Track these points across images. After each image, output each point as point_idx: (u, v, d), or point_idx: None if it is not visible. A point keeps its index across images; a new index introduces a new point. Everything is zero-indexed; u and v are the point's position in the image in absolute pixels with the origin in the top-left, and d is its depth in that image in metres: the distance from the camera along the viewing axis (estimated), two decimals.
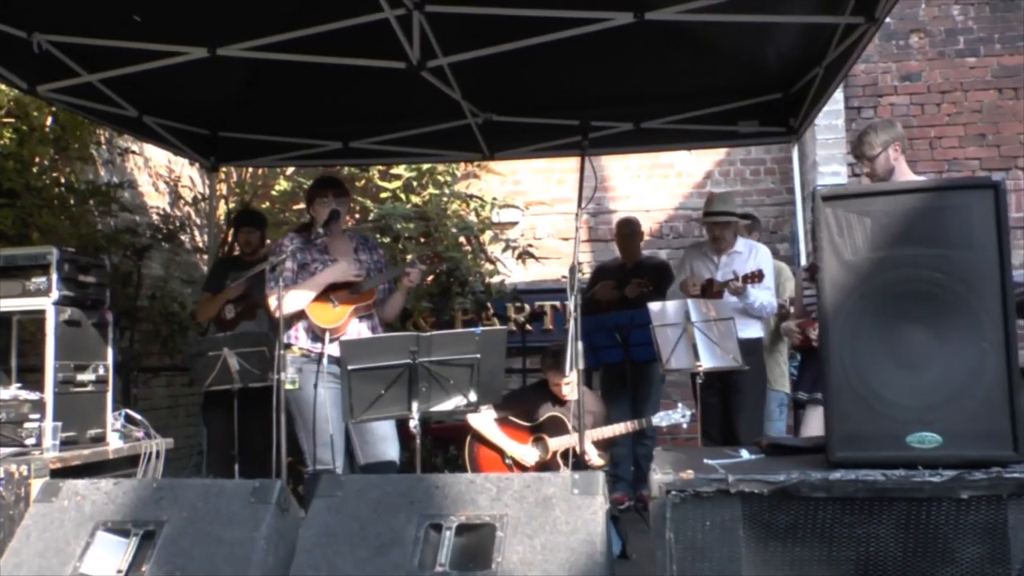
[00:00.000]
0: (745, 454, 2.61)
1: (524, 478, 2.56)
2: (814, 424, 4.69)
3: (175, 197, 8.25)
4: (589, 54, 5.40)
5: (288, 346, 4.13)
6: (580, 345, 3.55)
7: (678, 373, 7.05)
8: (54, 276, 4.04)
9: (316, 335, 4.32)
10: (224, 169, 8.56)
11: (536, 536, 2.43)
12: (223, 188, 8.81)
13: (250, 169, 8.77)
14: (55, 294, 4.00)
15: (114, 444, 4.37)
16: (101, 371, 4.38)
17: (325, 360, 4.20)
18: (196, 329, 6.66)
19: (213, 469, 6.01)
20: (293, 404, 4.34)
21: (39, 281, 4.10)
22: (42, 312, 3.98)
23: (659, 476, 2.31)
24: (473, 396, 3.60)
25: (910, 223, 2.29)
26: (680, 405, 4.97)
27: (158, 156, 8.16)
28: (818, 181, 7.81)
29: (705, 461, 2.48)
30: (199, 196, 8.26)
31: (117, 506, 2.69)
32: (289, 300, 4.27)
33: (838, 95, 7.85)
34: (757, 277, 5.11)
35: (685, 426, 4.94)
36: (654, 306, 4.79)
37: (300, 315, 4.36)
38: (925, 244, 2.29)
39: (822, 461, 2.42)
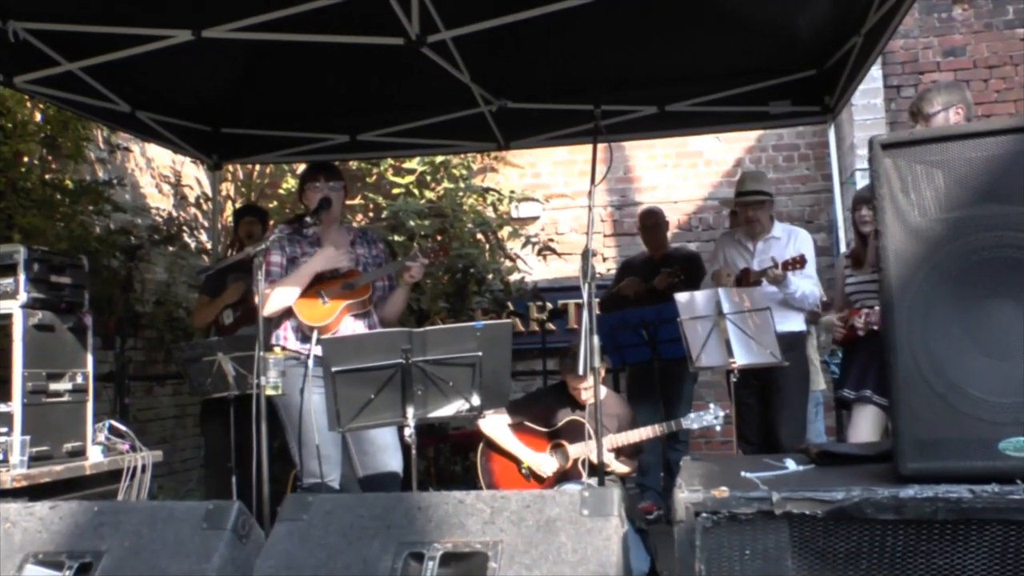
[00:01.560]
0: (791, 464, 2.16)
1: (523, 496, 2.12)
2: (863, 426, 4.23)
3: (180, 198, 7.91)
4: (607, 32, 5.00)
5: (271, 348, 3.72)
6: (596, 340, 3.11)
7: (711, 372, 6.63)
8: (21, 277, 3.74)
9: (305, 335, 3.92)
10: (230, 168, 8.24)
11: (537, 567, 1.99)
12: (230, 188, 8.47)
13: (257, 167, 8.42)
14: (23, 296, 3.70)
15: (94, 458, 4.03)
16: (80, 380, 4.05)
17: (311, 362, 3.79)
18: (200, 335, 6.31)
19: (211, 482, 5.66)
20: (283, 411, 3.95)
21: (5, 283, 3.78)
22: (9, 317, 3.66)
23: (685, 494, 1.86)
24: (476, 399, 3.18)
25: (995, 174, 1.82)
26: (712, 406, 4.49)
27: (161, 156, 7.83)
28: (856, 165, 7.31)
29: (743, 474, 2.03)
30: (203, 196, 7.90)
31: (51, 534, 2.29)
32: (274, 297, 3.88)
33: (876, 72, 7.36)
34: (799, 263, 4.63)
35: (718, 428, 4.47)
36: (681, 297, 4.33)
37: (288, 313, 3.97)
38: (1014, 200, 1.83)
39: (888, 474, 1.96)
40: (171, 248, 7.58)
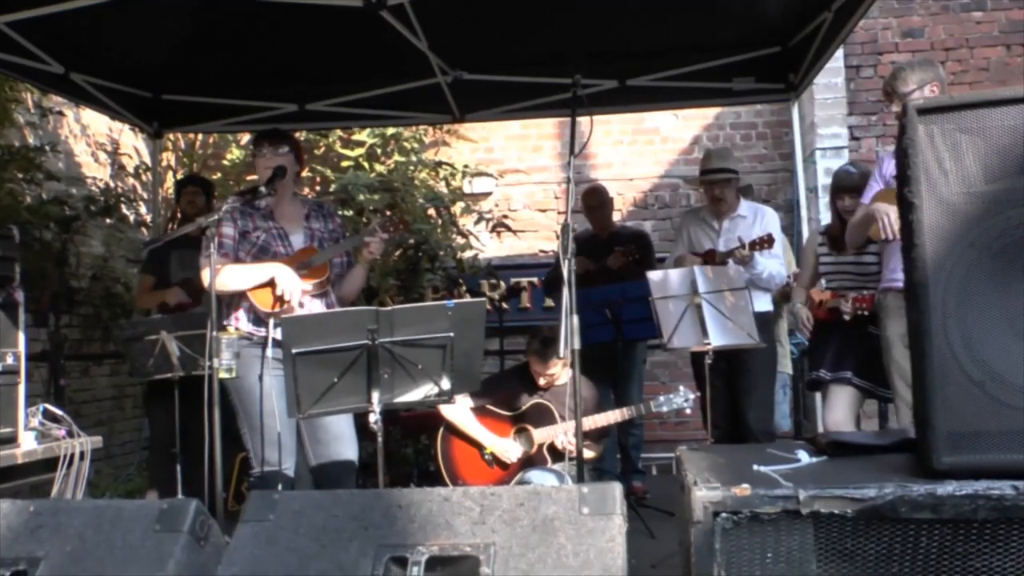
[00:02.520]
0: (804, 456, 1.99)
1: (516, 494, 1.92)
2: (839, 408, 4.14)
3: (117, 168, 7.50)
4: (568, 5, 4.82)
5: (223, 327, 3.46)
6: (576, 320, 2.91)
7: (666, 351, 6.51)
8: None
9: (259, 316, 3.66)
10: (171, 137, 7.86)
11: (534, 571, 1.80)
12: (171, 159, 8.08)
13: (200, 137, 8.04)
14: None
15: (26, 446, 3.74)
16: (10, 360, 3.77)
17: (270, 345, 3.55)
18: (141, 312, 5.99)
19: (155, 469, 5.39)
20: (235, 395, 3.70)
21: None
22: None
23: (703, 492, 1.69)
24: (446, 383, 2.97)
25: None
26: (682, 388, 4.35)
27: (98, 123, 7.43)
28: (817, 144, 7.24)
29: (756, 468, 1.86)
30: (143, 166, 7.51)
31: None
32: (227, 276, 3.61)
33: (837, 52, 7.28)
34: (767, 243, 4.50)
35: (688, 411, 4.33)
36: (654, 275, 4.17)
37: (242, 296, 3.70)
38: None
39: (908, 466, 1.81)
40: (108, 220, 7.19)
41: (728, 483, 1.71)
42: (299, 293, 3.58)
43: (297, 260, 3.73)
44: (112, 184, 7.40)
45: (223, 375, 3.20)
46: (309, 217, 3.94)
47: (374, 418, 2.94)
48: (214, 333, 3.13)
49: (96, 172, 7.37)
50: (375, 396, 2.95)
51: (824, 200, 7.08)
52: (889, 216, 3.65)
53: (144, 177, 7.61)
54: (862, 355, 4.18)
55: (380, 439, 2.94)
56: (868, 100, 7.50)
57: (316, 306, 3.72)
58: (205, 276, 3.64)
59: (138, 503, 2.02)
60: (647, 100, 6.20)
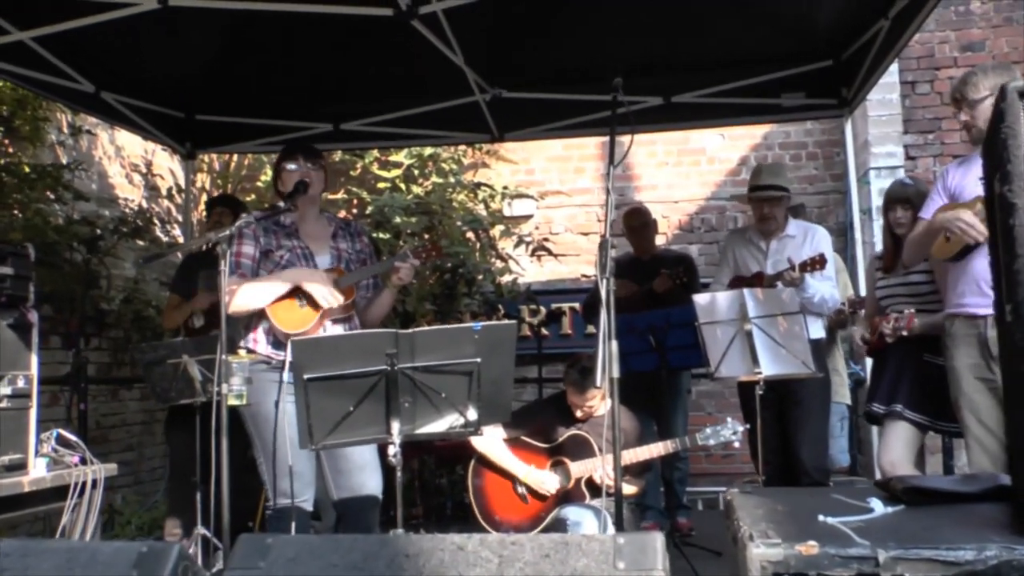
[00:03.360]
0: (877, 505, 1.71)
1: (541, 544, 1.66)
2: (896, 444, 3.81)
3: (150, 189, 7.40)
4: (610, 16, 4.62)
5: (236, 351, 3.24)
6: (615, 346, 2.65)
7: (713, 381, 6.20)
8: None
9: (278, 339, 3.45)
10: (205, 159, 7.77)
11: None
12: (205, 180, 7.97)
13: (235, 158, 7.93)
14: None
15: (36, 473, 3.57)
16: (21, 383, 3.61)
17: (287, 370, 3.32)
18: (169, 336, 5.84)
19: (174, 497, 5.19)
20: (250, 423, 3.49)
21: None
22: None
23: (761, 550, 1.41)
24: (472, 414, 2.72)
25: None
26: (730, 420, 4.04)
27: (132, 144, 7.34)
28: (871, 163, 6.90)
29: (822, 519, 1.58)
30: (177, 188, 7.41)
31: None
32: (242, 295, 3.41)
33: (891, 67, 6.97)
34: (819, 264, 4.19)
35: (737, 445, 4.02)
36: (701, 299, 3.88)
37: (261, 315, 3.49)
38: None
39: (1008, 520, 1.52)
40: (141, 242, 7.09)
41: (790, 538, 1.43)
42: (332, 291, 3.37)
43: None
44: (146, 206, 7.29)
45: (233, 402, 2.98)
46: (336, 236, 3.73)
47: (393, 451, 2.69)
48: (224, 356, 2.91)
49: (130, 194, 7.27)
50: (395, 426, 2.71)
51: (879, 222, 6.72)
52: (964, 219, 3.33)
53: (178, 199, 7.50)
54: (916, 385, 3.86)
55: (399, 473, 2.69)
56: (925, 118, 7.17)
57: (338, 332, 3.49)
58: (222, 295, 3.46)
59: (116, 545, 1.79)
60: (693, 117, 6.01)
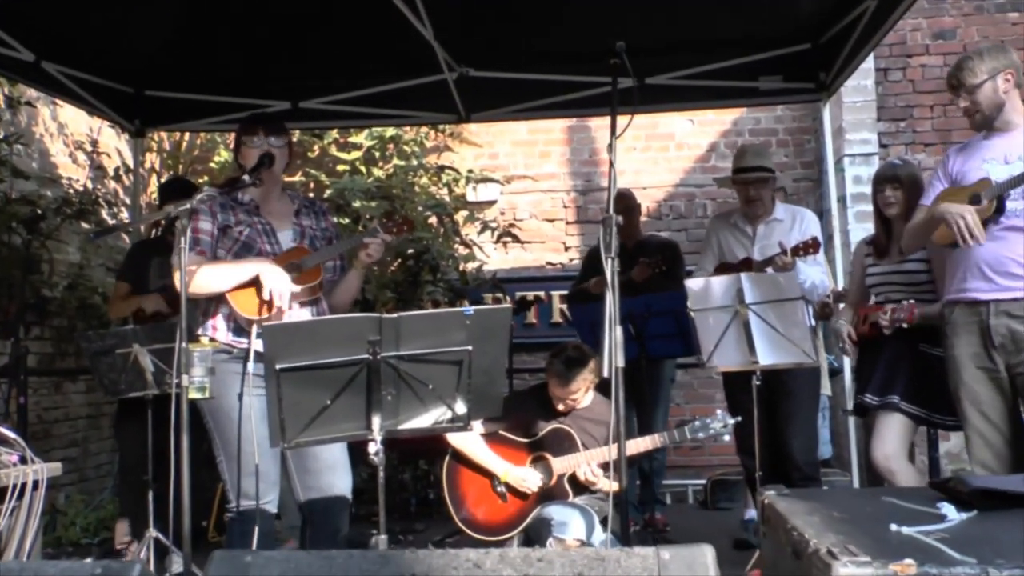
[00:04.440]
0: (950, 511, 1.50)
1: (572, 559, 1.41)
2: (890, 437, 3.65)
3: (96, 168, 7.00)
4: None
5: (196, 338, 2.95)
6: (619, 332, 2.42)
7: (687, 371, 6.03)
8: None
9: (240, 325, 3.17)
10: (154, 137, 7.38)
11: None
12: (155, 160, 7.58)
13: (186, 137, 7.55)
14: None
15: None
16: None
17: (252, 359, 3.05)
18: (116, 323, 5.49)
19: (125, 498, 4.87)
20: (209, 418, 3.21)
21: None
22: None
23: (849, 570, 1.19)
24: (462, 407, 2.47)
25: None
26: (720, 412, 3.84)
27: (77, 121, 6.93)
28: (845, 150, 6.76)
29: (895, 529, 1.36)
30: (125, 168, 7.02)
31: None
32: (203, 276, 3.13)
33: None
34: (812, 247, 4.01)
35: (727, 438, 3.82)
36: (694, 284, 3.67)
37: (220, 299, 3.21)
38: None
39: None
40: (86, 224, 6.70)
41: (877, 554, 1.21)
42: (289, 294, 3.09)
43: (286, 260, 3.24)
44: (91, 187, 6.89)
45: (194, 395, 2.70)
46: (299, 213, 3.46)
47: (375, 448, 2.43)
48: (184, 344, 2.62)
49: (74, 173, 6.86)
50: (376, 422, 2.45)
51: (854, 210, 6.64)
52: (966, 219, 3.19)
53: (126, 180, 7.11)
54: (912, 377, 3.70)
55: (381, 473, 2.44)
56: (897, 105, 7.06)
57: (305, 316, 3.22)
58: (178, 277, 3.16)
59: (66, 566, 1.52)
60: (666, 100, 5.75)
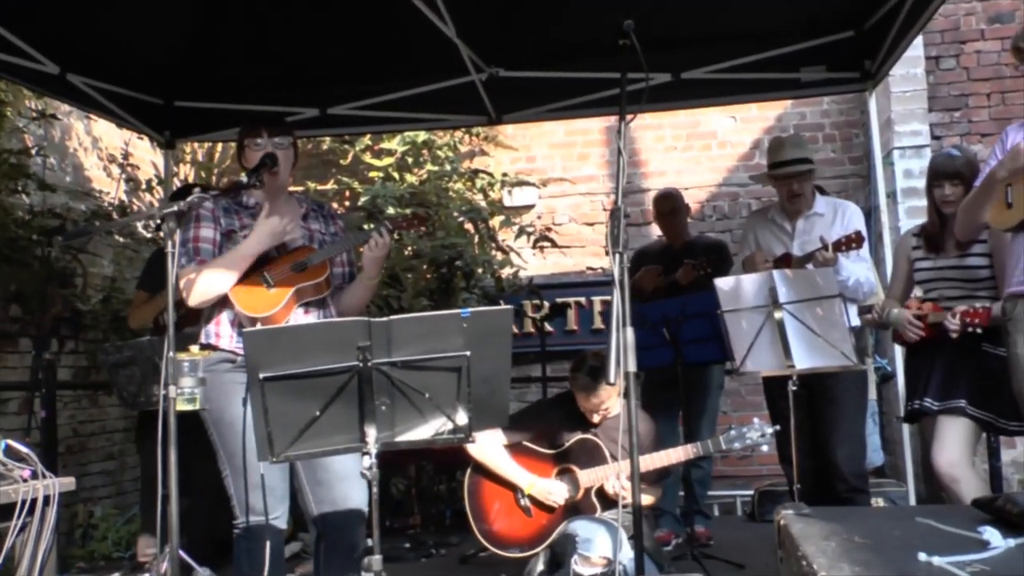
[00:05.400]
0: (994, 537, 1.27)
1: None
2: (953, 442, 3.39)
3: (128, 181, 6.98)
4: None
5: (185, 347, 2.81)
6: (630, 334, 2.22)
7: (733, 377, 5.77)
8: None
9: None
10: (187, 149, 7.35)
11: None
12: (188, 172, 7.55)
13: (219, 147, 7.51)
14: None
15: None
16: None
17: None
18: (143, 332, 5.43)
19: (148, 513, 4.77)
20: (213, 429, 3.08)
21: None
22: None
23: None
24: (462, 417, 2.29)
25: None
26: (757, 421, 3.61)
27: (111, 135, 6.93)
28: (894, 143, 6.45)
29: (924, 559, 1.14)
30: (157, 179, 6.99)
31: None
32: (202, 282, 3.01)
33: (916, 39, 6.54)
34: (855, 242, 3.75)
35: (765, 449, 3.58)
36: (724, 283, 3.45)
37: (223, 302, 3.08)
38: None
39: None
40: (121, 239, 6.68)
41: None
42: (292, 224, 3.08)
43: (291, 259, 3.11)
44: (126, 200, 6.88)
45: (183, 407, 2.56)
46: (307, 217, 3.33)
47: (368, 462, 2.26)
48: (171, 354, 2.48)
49: (107, 187, 6.85)
50: (370, 433, 2.28)
51: (904, 205, 6.32)
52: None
53: (158, 191, 7.09)
54: (977, 379, 3.44)
55: (374, 489, 2.26)
56: (950, 95, 6.72)
57: (311, 320, 3.07)
58: (182, 289, 3.04)
59: None
60: (705, 95, 5.59)
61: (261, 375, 2.17)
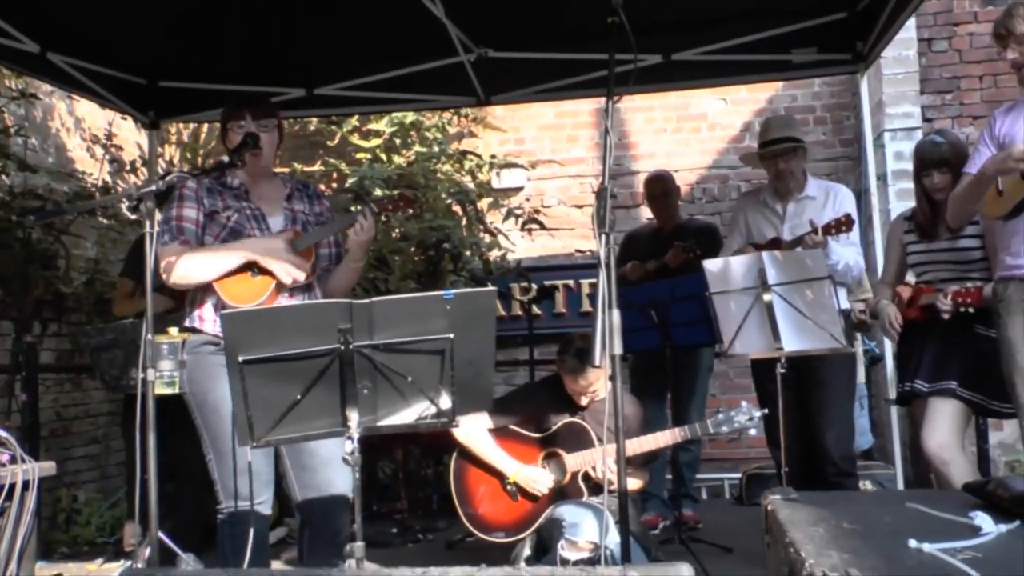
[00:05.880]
0: (985, 522, 1.24)
1: None
2: (943, 424, 3.37)
3: (112, 162, 6.89)
4: None
5: (163, 330, 2.77)
6: (616, 316, 2.18)
7: (722, 360, 5.74)
8: None
9: None
10: (172, 129, 7.27)
11: None
12: (174, 153, 7.47)
13: (205, 127, 7.42)
14: None
15: None
16: None
17: None
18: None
19: (132, 495, 4.71)
20: (197, 413, 3.04)
21: None
22: None
23: None
24: (445, 401, 2.25)
25: None
26: (745, 404, 3.58)
27: (95, 116, 6.84)
28: (886, 125, 6.41)
29: (914, 545, 1.11)
30: (141, 160, 6.91)
31: None
32: (186, 265, 2.96)
33: (909, 21, 6.50)
34: (844, 225, 3.72)
35: (753, 432, 3.56)
36: (712, 265, 3.41)
37: (208, 287, 3.03)
38: None
39: None
40: (105, 220, 6.59)
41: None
42: (293, 267, 2.97)
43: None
44: (110, 181, 6.79)
45: (162, 390, 2.52)
46: (291, 198, 3.27)
47: (350, 447, 2.22)
48: (150, 336, 2.43)
49: (91, 168, 6.76)
50: (352, 417, 2.24)
51: (895, 188, 6.29)
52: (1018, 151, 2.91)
53: (143, 172, 7.01)
54: (969, 361, 3.42)
55: (357, 475, 2.22)
56: (942, 77, 6.68)
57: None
58: (163, 269, 2.99)
59: None
60: (695, 77, 5.54)
61: (240, 358, 2.13)
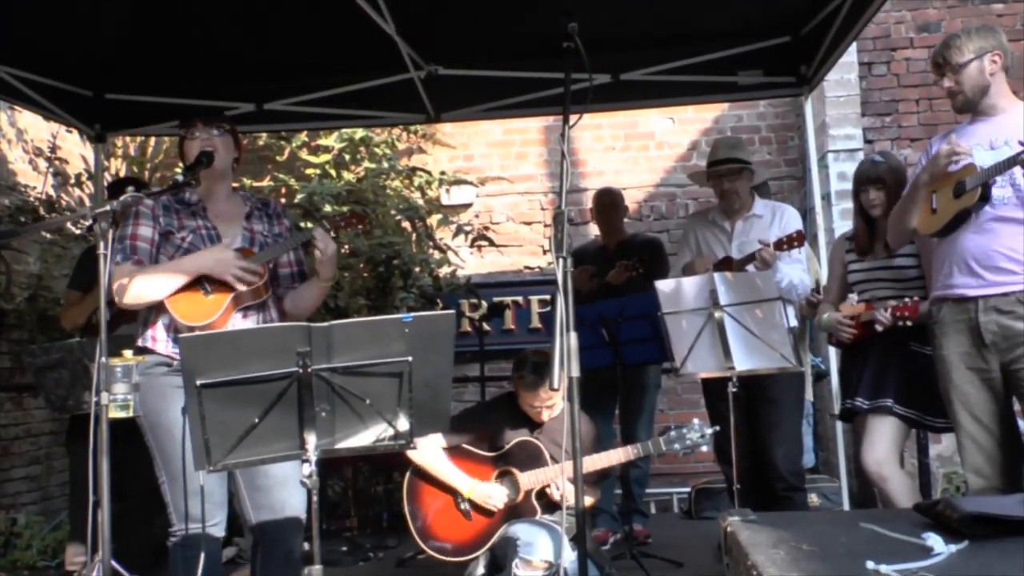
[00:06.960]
0: (937, 543, 1.29)
1: None
2: (882, 441, 3.47)
3: (56, 175, 6.76)
4: None
5: (119, 352, 2.73)
6: (574, 338, 2.22)
7: (670, 376, 5.81)
8: None
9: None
10: (118, 143, 7.15)
11: None
12: (120, 166, 7.34)
13: (152, 141, 7.32)
14: None
15: None
16: None
17: None
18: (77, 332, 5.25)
19: (77, 518, 4.61)
20: (150, 435, 3.00)
21: None
22: None
23: None
24: (403, 423, 2.26)
25: None
26: (697, 422, 3.64)
27: (38, 127, 6.71)
28: (828, 146, 6.58)
29: (872, 567, 1.15)
30: (86, 173, 6.78)
31: None
32: (136, 286, 2.93)
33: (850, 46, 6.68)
34: (797, 241, 3.82)
35: (705, 449, 3.61)
36: (664, 285, 3.47)
37: (159, 307, 3.00)
38: None
39: None
40: (48, 235, 6.45)
41: None
42: (245, 270, 2.98)
43: None
44: (54, 194, 6.65)
45: (116, 414, 2.48)
46: (250, 217, 3.25)
47: (308, 470, 2.21)
48: (103, 359, 2.40)
49: (34, 181, 6.63)
50: (310, 440, 2.24)
51: (838, 207, 6.44)
52: (945, 147, 3.11)
53: (88, 186, 6.88)
54: (904, 378, 3.53)
55: (315, 497, 2.22)
56: (882, 100, 6.88)
57: (249, 325, 3.00)
58: (115, 291, 2.95)
59: None
60: (643, 96, 5.59)
61: (198, 382, 2.11)
